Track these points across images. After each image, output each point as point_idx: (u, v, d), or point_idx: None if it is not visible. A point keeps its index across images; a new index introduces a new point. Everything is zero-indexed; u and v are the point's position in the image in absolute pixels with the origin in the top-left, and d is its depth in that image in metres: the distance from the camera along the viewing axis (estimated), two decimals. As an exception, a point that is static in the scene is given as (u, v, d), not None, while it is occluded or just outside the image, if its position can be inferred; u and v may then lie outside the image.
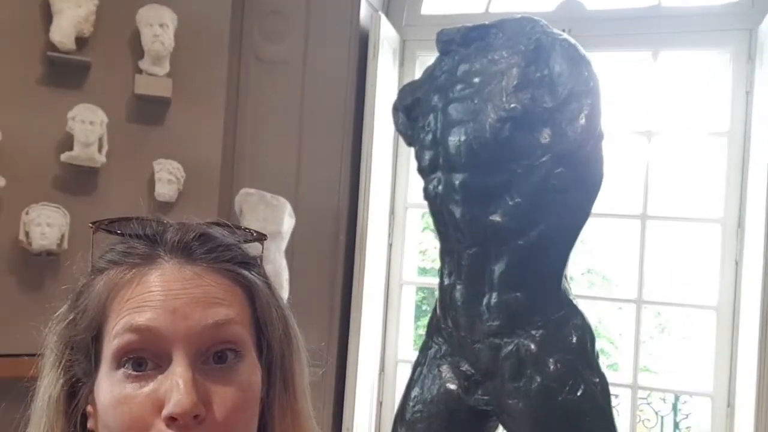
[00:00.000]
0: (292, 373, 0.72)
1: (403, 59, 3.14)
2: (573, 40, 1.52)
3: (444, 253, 1.68)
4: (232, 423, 0.62)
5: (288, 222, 2.86)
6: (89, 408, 0.66)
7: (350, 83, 2.98)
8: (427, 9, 3.12)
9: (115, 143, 2.66)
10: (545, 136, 1.49)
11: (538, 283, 1.57)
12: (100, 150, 2.62)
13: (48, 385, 0.67)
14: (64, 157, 2.55)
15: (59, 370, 0.67)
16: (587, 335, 1.57)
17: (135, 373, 0.61)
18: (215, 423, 0.61)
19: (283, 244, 2.84)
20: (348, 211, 2.99)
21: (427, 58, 3.18)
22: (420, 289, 3.96)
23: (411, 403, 1.74)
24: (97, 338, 0.65)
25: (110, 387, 0.62)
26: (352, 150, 3.00)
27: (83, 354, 0.66)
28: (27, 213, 2.48)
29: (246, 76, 2.98)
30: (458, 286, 1.62)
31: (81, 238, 2.64)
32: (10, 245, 2.51)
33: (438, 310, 1.73)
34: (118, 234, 0.70)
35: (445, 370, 1.70)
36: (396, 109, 1.81)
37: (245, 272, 0.68)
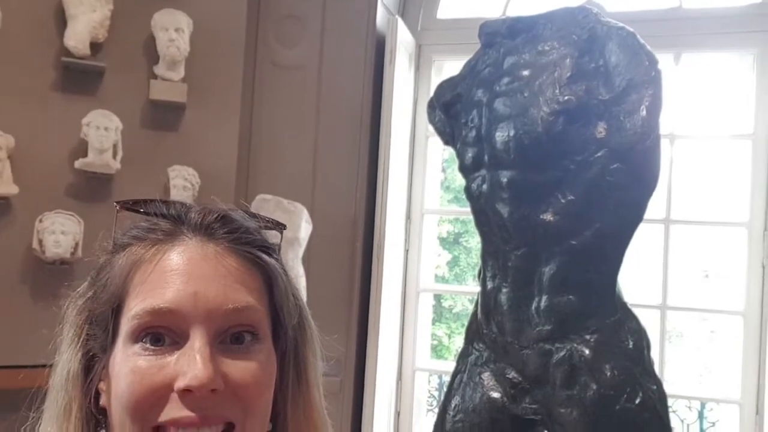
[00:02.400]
0: (305, 363, 0.71)
1: (419, 64, 3.05)
2: (631, 29, 1.42)
3: (487, 255, 1.57)
4: (248, 398, 0.62)
5: (305, 228, 2.75)
6: (102, 385, 0.65)
7: (366, 88, 2.89)
8: (442, 13, 3.03)
9: (129, 149, 2.55)
10: (600, 130, 1.38)
11: (592, 285, 1.46)
12: (114, 156, 2.52)
13: (67, 361, 0.66)
14: (78, 163, 2.45)
15: (78, 345, 0.66)
16: (643, 340, 1.46)
17: (152, 347, 0.61)
18: (231, 397, 0.61)
19: (301, 251, 2.73)
20: (365, 216, 2.88)
21: (444, 62, 3.09)
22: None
23: (451, 413, 1.62)
24: (116, 312, 0.64)
25: (126, 359, 0.61)
26: (369, 155, 2.90)
27: (101, 328, 0.65)
28: (40, 221, 2.37)
29: (261, 81, 2.88)
30: (504, 289, 1.51)
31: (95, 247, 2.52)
32: (24, 254, 2.40)
33: (479, 315, 1.61)
34: (142, 213, 0.69)
35: (488, 378, 1.58)
36: (432, 106, 1.70)
37: (265, 257, 0.67)
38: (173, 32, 2.59)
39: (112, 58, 2.58)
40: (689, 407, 3.09)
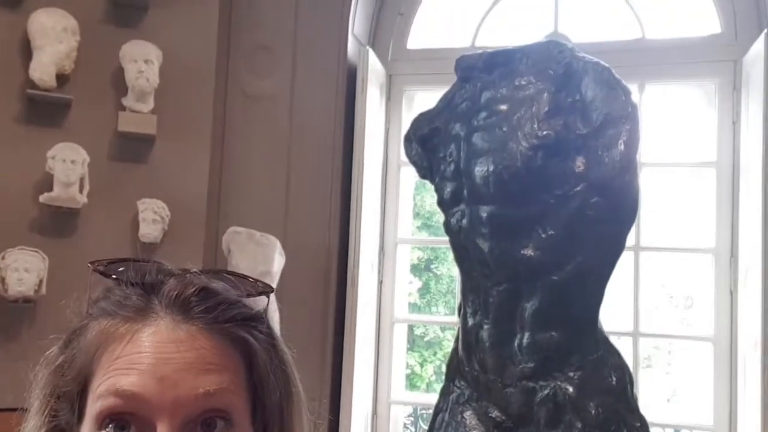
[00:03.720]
0: (291, 430, 0.67)
1: (390, 93, 3.03)
2: (606, 64, 1.41)
3: (467, 290, 1.52)
4: None
5: (278, 261, 2.68)
6: None
7: (338, 118, 2.85)
8: (413, 43, 3.02)
9: (97, 183, 2.46)
10: (579, 164, 1.36)
11: (574, 321, 1.42)
12: (81, 190, 2.42)
13: (31, 430, 0.63)
14: (44, 198, 2.35)
15: (44, 417, 0.62)
16: (626, 376, 1.42)
17: None
18: None
19: (274, 284, 2.65)
20: (338, 247, 2.83)
21: (415, 92, 3.08)
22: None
23: (433, 454, 1.56)
24: (82, 392, 0.60)
25: None
26: (342, 185, 2.85)
27: (68, 404, 0.61)
28: (3, 258, 2.26)
29: (232, 111, 2.82)
30: (485, 326, 1.46)
31: (60, 283, 2.41)
32: (-16, 292, 2.28)
33: (460, 352, 1.56)
34: (114, 279, 0.64)
35: (470, 417, 1.53)
36: (409, 139, 1.66)
37: (244, 334, 0.63)
38: (142, 63, 2.52)
39: (79, 90, 2.50)
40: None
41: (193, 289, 0.62)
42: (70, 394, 0.61)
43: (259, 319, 0.65)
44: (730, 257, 2.65)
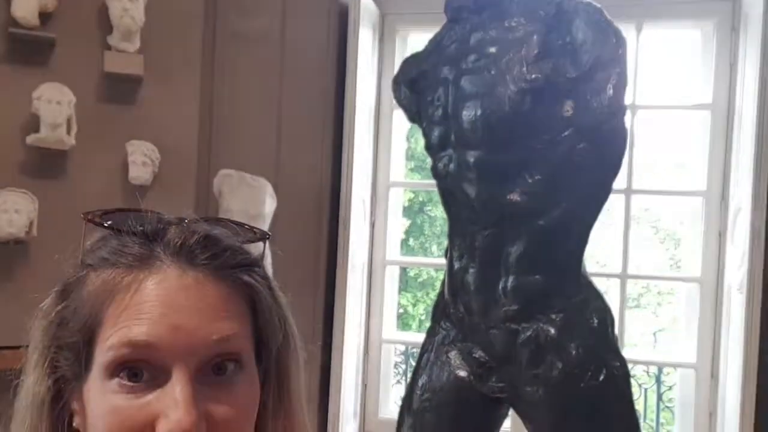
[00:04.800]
0: (288, 375, 0.69)
1: (383, 34, 2.97)
2: (598, 5, 1.38)
3: (454, 234, 1.54)
4: None
5: (269, 203, 2.68)
6: (75, 405, 0.62)
7: (330, 59, 2.81)
8: (406, -18, 2.94)
9: (84, 124, 2.43)
10: (567, 108, 1.35)
11: (558, 265, 1.44)
12: (68, 131, 2.40)
13: (32, 384, 0.62)
14: (31, 139, 2.32)
15: (45, 368, 0.62)
16: (608, 318, 1.45)
17: (130, 383, 0.57)
18: None
19: (265, 227, 2.67)
20: (330, 190, 2.83)
21: (408, 32, 3.01)
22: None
23: (418, 392, 1.60)
24: (89, 343, 0.60)
25: (102, 396, 0.58)
26: (334, 128, 2.83)
27: (73, 354, 0.61)
28: (-8, 200, 2.26)
29: (221, 52, 2.76)
30: (471, 270, 1.48)
31: (51, 225, 2.41)
32: (-25, 235, 2.29)
33: (446, 295, 1.59)
34: (112, 230, 0.63)
35: (454, 357, 1.57)
36: (397, 82, 1.64)
37: (249, 279, 0.64)
38: (127, 1, 2.45)
39: (62, 29, 2.44)
40: (647, 372, 3.16)
41: (197, 237, 0.62)
42: (75, 346, 0.61)
43: (258, 264, 0.66)
44: (720, 200, 2.67)
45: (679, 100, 2.78)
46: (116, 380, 0.57)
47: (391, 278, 3.06)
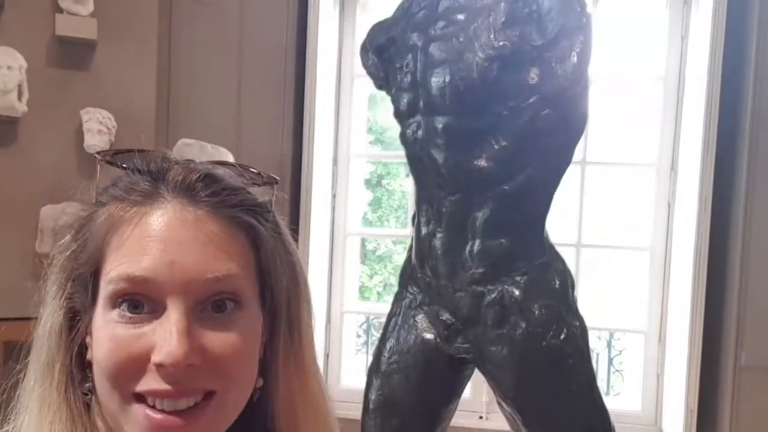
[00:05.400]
0: (299, 320, 0.69)
1: (344, 2, 2.96)
2: (563, -26, 1.42)
3: (421, 200, 1.58)
4: (227, 370, 0.61)
5: (230, 174, 2.67)
6: (88, 339, 0.63)
7: (290, 25, 2.79)
8: (367, -51, 2.93)
9: (36, 90, 2.37)
10: (533, 76, 1.39)
11: (522, 229, 1.50)
12: (20, 98, 2.33)
13: (49, 315, 0.64)
14: (-20, 105, 2.26)
15: (61, 300, 0.64)
16: (568, 279, 1.52)
17: (130, 314, 0.59)
18: (210, 369, 0.59)
19: (226, 197, 2.66)
20: (292, 160, 2.84)
21: (368, 0, 3.02)
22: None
23: (386, 355, 1.65)
24: (95, 275, 0.62)
25: (105, 325, 0.60)
26: (295, 97, 2.83)
27: (82, 287, 0.63)
28: (-60, 168, 2.19)
29: (178, 16, 2.72)
30: (438, 234, 1.53)
31: (4, 194, 2.36)
32: (-76, 204, 2.22)
33: (414, 260, 1.63)
34: (121, 168, 0.66)
35: (421, 320, 1.62)
36: (365, 49, 1.66)
37: (250, 219, 0.64)
38: (79, -38, 2.39)
39: (10, -10, 2.36)
40: (599, 337, 3.30)
41: (198, 175, 0.63)
42: (84, 277, 0.63)
43: (264, 208, 0.67)
44: (670, 170, 2.78)
45: (633, 72, 2.87)
46: (117, 311, 0.59)
47: (352, 249, 3.10)
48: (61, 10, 2.41)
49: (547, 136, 1.43)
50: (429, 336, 1.60)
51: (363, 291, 4.65)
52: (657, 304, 2.84)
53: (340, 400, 2.92)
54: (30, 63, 2.34)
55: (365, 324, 3.76)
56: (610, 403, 1.64)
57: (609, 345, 3.32)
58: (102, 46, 2.49)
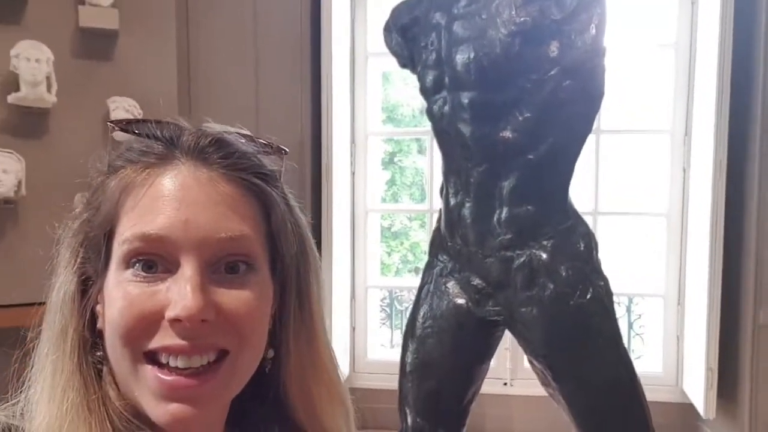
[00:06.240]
0: (308, 290, 0.71)
1: (356, -18, 3.04)
2: (579, -51, 1.50)
3: (449, 172, 1.68)
4: (241, 328, 0.62)
5: (253, 155, 2.77)
6: (98, 308, 0.65)
7: (304, 6, 2.87)
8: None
9: (63, 81, 2.47)
10: (553, 49, 1.48)
11: (547, 196, 1.60)
12: (49, 89, 2.43)
13: (63, 282, 0.65)
14: (12, 98, 2.35)
15: (74, 268, 0.65)
16: (592, 242, 1.63)
17: (144, 274, 0.60)
18: (224, 326, 0.61)
19: (250, 179, 2.76)
20: (311, 140, 2.93)
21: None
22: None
23: (420, 320, 1.77)
24: (108, 236, 0.63)
25: (118, 284, 0.61)
26: (312, 78, 2.91)
27: (95, 252, 0.64)
28: (-21, 161, 2.30)
29: (195, 2, 2.81)
30: (467, 204, 1.63)
31: (38, 184, 2.47)
32: (-35, 195, 2.33)
33: (443, 229, 1.74)
34: (135, 134, 0.67)
35: (452, 286, 1.73)
36: (389, 29, 1.75)
37: (261, 183, 0.66)
38: (98, -46, 2.47)
39: (33, -16, 2.45)
40: (618, 303, 3.41)
41: (210, 139, 0.65)
42: (97, 240, 0.64)
43: (274, 177, 0.68)
44: (684, 136, 2.86)
45: (642, 40, 2.93)
46: (131, 270, 0.60)
47: (373, 225, 3.20)
48: (83, 2, 2.50)
49: (569, 107, 1.52)
50: (461, 301, 1.71)
51: (382, 268, 4.77)
52: (675, 268, 2.93)
53: (367, 371, 3.06)
54: (55, 54, 2.43)
55: (387, 299, 3.88)
56: (632, 366, 1.72)
57: (629, 310, 3.43)
58: (123, 36, 2.58)
